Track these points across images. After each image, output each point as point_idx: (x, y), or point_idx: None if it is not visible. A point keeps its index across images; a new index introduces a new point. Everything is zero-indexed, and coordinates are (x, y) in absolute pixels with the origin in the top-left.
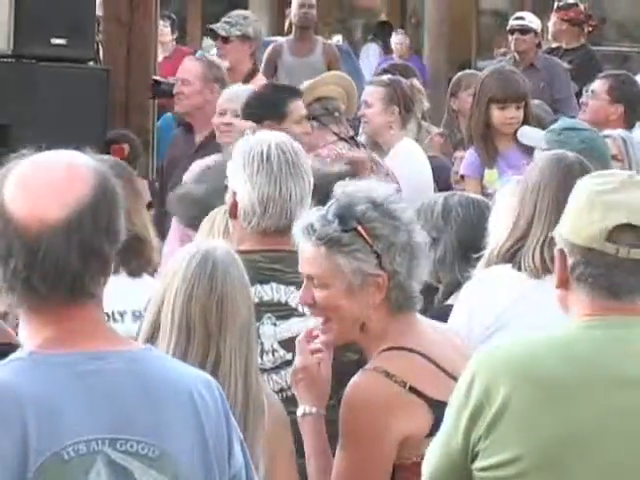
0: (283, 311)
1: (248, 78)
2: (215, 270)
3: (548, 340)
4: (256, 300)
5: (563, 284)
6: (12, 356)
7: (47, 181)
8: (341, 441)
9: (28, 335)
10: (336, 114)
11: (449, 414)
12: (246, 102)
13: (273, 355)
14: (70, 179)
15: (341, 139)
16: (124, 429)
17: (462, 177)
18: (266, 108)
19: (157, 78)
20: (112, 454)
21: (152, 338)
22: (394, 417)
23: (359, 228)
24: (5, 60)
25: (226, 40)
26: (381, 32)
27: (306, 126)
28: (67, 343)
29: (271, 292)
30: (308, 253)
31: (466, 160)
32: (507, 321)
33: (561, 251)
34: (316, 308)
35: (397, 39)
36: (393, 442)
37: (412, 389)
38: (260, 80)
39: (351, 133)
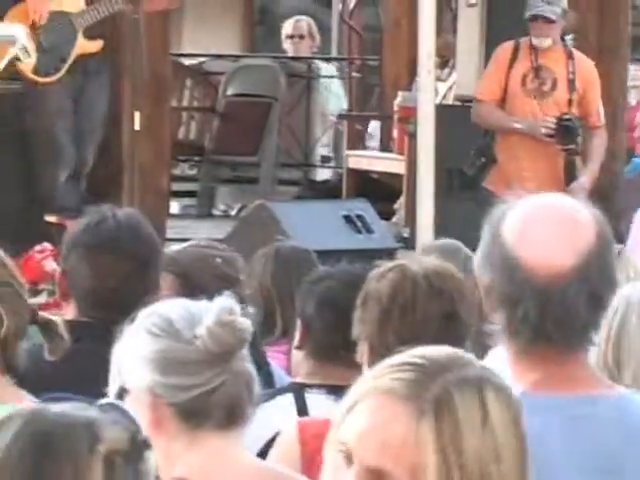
0: None
1: None
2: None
3: None
4: None
5: None
6: None
7: (555, 227)
8: None
9: (517, 376)
10: None
11: None
12: None
13: None
14: (577, 225)
15: None
16: (612, 475)
17: None
18: None
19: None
20: None
21: None
22: None
23: None
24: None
25: (551, 21)
26: None
27: None
28: (559, 386)
29: None
30: None
31: None
32: None
33: None
34: None
35: None
36: None
37: None
38: None
39: None
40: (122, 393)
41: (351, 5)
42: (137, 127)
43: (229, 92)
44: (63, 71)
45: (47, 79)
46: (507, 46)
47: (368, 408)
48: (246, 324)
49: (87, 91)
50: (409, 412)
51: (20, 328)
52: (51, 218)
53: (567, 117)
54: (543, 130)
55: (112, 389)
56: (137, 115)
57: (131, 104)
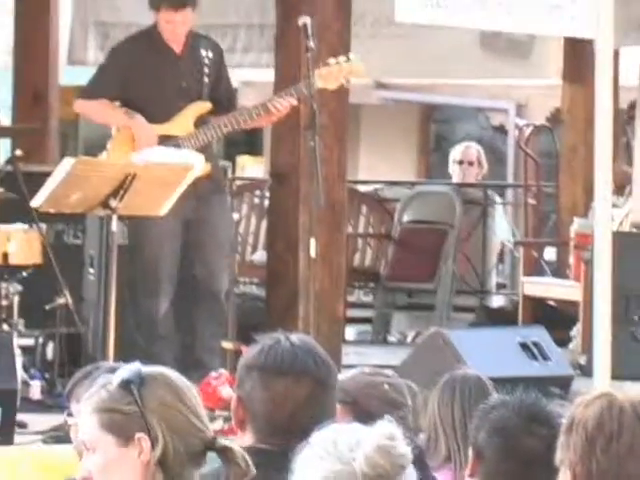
0: None
1: None
2: None
3: None
4: None
5: None
6: None
7: None
8: None
9: None
10: None
11: None
12: None
13: None
14: None
15: None
16: None
17: None
18: None
19: None
20: None
21: None
22: None
23: None
24: None
25: None
26: None
27: None
28: None
29: None
30: None
31: None
32: None
33: None
34: None
35: None
36: None
37: None
38: None
39: None
40: None
41: (527, 132)
42: (313, 254)
43: (405, 219)
44: None
45: None
46: None
47: None
48: (405, 450)
49: (201, 214)
50: None
51: (183, 454)
52: (227, 345)
53: None
54: None
55: None
56: (313, 242)
57: (308, 231)
